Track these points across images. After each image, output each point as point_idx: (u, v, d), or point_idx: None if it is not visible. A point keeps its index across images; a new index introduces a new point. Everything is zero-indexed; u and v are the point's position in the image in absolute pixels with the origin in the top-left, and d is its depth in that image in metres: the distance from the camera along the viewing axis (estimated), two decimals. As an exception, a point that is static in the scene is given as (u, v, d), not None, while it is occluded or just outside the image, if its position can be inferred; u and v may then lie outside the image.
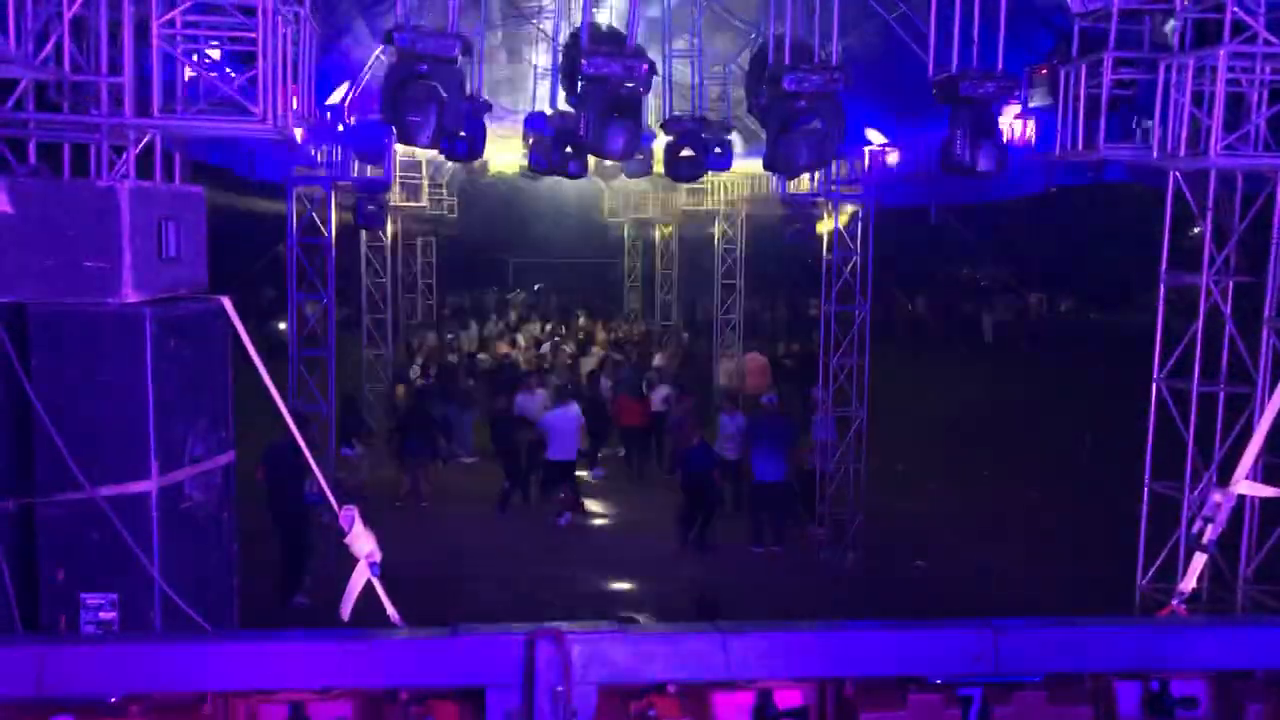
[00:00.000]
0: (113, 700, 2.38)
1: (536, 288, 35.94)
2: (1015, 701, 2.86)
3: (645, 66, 8.73)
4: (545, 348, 23.49)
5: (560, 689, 2.54)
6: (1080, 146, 8.41)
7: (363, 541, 3.67)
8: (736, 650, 2.68)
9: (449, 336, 24.53)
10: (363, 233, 19.01)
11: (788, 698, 2.76)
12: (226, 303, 5.57)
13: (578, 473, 15.63)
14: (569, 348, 23.07)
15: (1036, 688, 2.88)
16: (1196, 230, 8.86)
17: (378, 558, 3.69)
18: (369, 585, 3.60)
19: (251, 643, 2.47)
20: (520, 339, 24.84)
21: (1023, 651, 2.79)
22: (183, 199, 6.33)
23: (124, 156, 7.19)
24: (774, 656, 2.72)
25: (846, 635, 2.74)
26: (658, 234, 28.41)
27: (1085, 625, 2.87)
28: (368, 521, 3.75)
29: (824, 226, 15.43)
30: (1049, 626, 2.84)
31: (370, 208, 15.29)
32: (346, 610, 3.55)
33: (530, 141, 12.76)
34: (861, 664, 2.75)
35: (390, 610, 3.42)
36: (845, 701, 2.79)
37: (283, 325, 15.18)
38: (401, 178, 18.78)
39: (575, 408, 15.37)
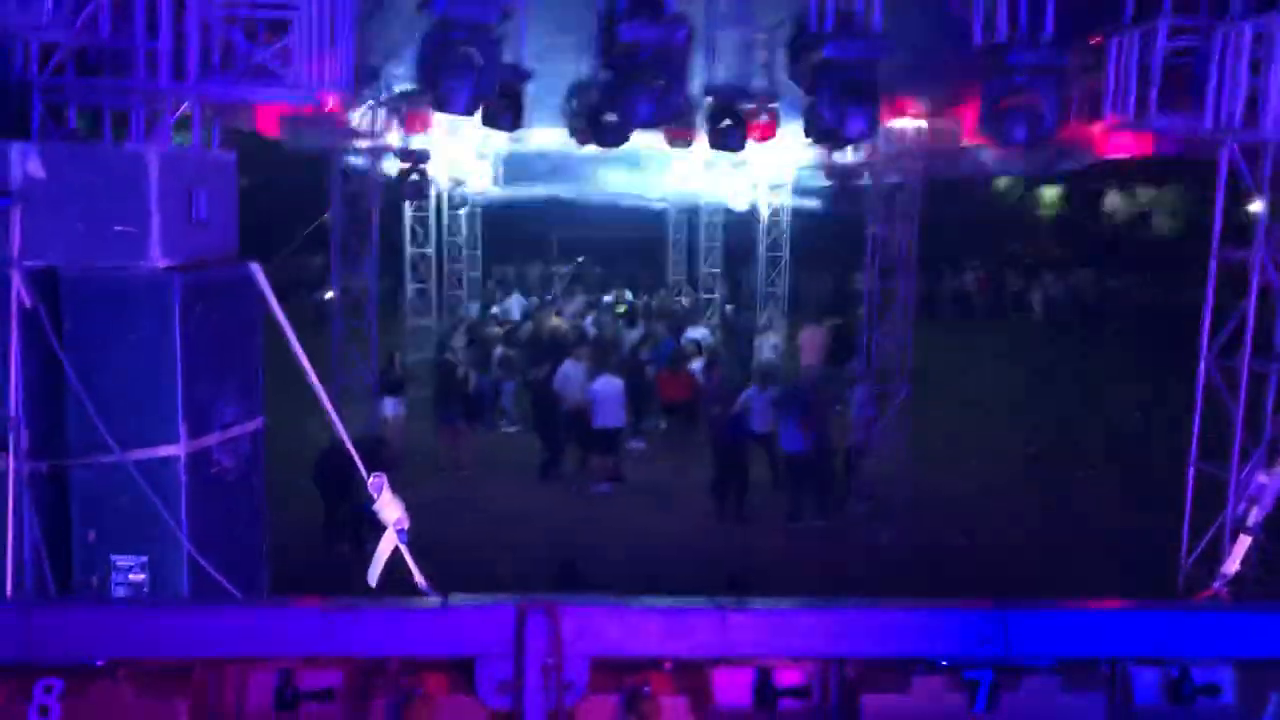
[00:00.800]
0: (99, 664, 2.38)
1: (580, 260, 35.78)
2: (1025, 687, 2.76)
3: (684, 31, 8.58)
4: (589, 319, 23.43)
5: (551, 661, 2.50)
6: (1131, 118, 8.17)
7: (390, 509, 3.66)
8: (735, 627, 2.62)
9: (493, 309, 24.54)
10: (406, 203, 19.05)
11: (788, 677, 2.70)
12: (255, 269, 5.59)
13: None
14: (610, 318, 23.01)
15: (1048, 673, 2.78)
16: (1255, 206, 8.57)
17: (406, 525, 3.67)
18: (397, 552, 3.59)
19: (241, 610, 2.45)
20: (565, 310, 24.79)
21: (1033, 634, 2.70)
22: (214, 165, 6.35)
23: (160, 122, 7.23)
24: (774, 634, 2.66)
25: (849, 614, 2.67)
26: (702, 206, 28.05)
27: (1100, 608, 2.77)
28: (400, 489, 3.73)
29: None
30: (1061, 609, 2.75)
31: (414, 178, 15.29)
32: (374, 577, 3.54)
33: (571, 110, 12.63)
34: (864, 644, 2.68)
35: (418, 577, 3.39)
36: (847, 682, 2.72)
37: (329, 295, 15.28)
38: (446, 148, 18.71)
39: (619, 379, 15.42)
